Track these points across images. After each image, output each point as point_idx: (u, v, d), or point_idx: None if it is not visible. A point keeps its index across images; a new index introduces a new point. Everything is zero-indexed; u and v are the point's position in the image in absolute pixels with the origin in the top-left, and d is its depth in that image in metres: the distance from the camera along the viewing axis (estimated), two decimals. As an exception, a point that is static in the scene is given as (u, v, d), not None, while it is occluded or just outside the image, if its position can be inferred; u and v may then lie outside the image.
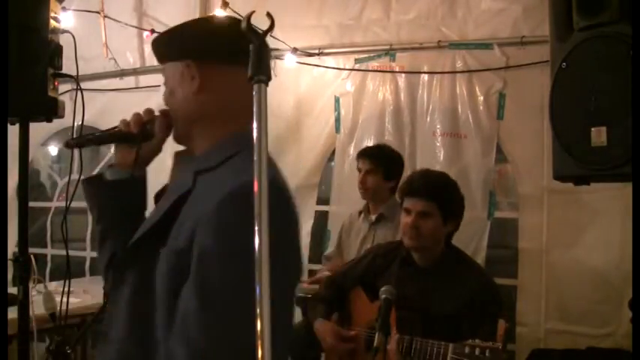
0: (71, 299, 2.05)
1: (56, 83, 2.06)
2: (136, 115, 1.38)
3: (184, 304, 1.07)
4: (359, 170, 3.29)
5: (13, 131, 2.03)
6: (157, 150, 1.39)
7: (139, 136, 1.35)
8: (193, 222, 1.12)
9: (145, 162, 1.39)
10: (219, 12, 3.95)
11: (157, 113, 1.38)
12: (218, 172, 1.20)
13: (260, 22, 1.06)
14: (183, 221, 1.16)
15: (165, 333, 1.12)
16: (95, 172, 1.79)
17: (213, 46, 1.25)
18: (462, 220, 2.46)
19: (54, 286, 3.46)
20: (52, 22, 2.04)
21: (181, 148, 1.37)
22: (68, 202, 2.20)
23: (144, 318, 1.18)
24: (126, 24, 4.30)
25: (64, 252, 2.14)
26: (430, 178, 2.44)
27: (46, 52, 2.00)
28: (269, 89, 0.99)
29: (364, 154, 3.31)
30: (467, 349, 1.91)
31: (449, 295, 2.28)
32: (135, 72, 4.57)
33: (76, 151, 2.39)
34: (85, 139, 1.41)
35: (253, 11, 1.05)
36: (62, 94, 2.13)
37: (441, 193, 2.36)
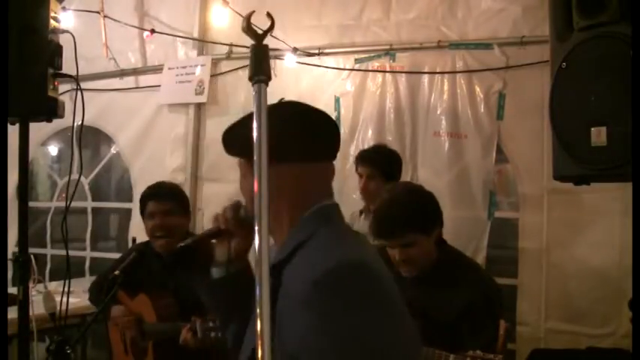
0: (71, 299, 2.05)
1: (56, 83, 2.05)
2: (223, 211, 1.45)
3: None
4: (359, 175, 3.26)
5: (13, 131, 2.03)
6: (249, 241, 1.44)
7: (226, 231, 1.43)
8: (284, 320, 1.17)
9: (242, 254, 1.46)
10: (219, 9, 3.95)
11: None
12: (293, 262, 1.24)
13: (260, 22, 1.06)
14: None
15: None
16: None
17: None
18: (462, 221, 2.45)
19: (54, 286, 3.46)
20: (52, 22, 2.03)
21: None
22: (68, 202, 2.20)
23: None
24: (126, 24, 4.30)
25: (63, 252, 2.14)
26: (398, 213, 2.23)
27: (46, 52, 2.00)
28: (269, 89, 0.99)
29: (362, 158, 3.26)
30: None
31: (447, 301, 2.21)
32: (135, 72, 4.58)
33: (76, 151, 2.39)
34: (186, 246, 1.48)
35: (253, 11, 1.05)
36: (62, 94, 2.12)
37: (415, 219, 2.22)
